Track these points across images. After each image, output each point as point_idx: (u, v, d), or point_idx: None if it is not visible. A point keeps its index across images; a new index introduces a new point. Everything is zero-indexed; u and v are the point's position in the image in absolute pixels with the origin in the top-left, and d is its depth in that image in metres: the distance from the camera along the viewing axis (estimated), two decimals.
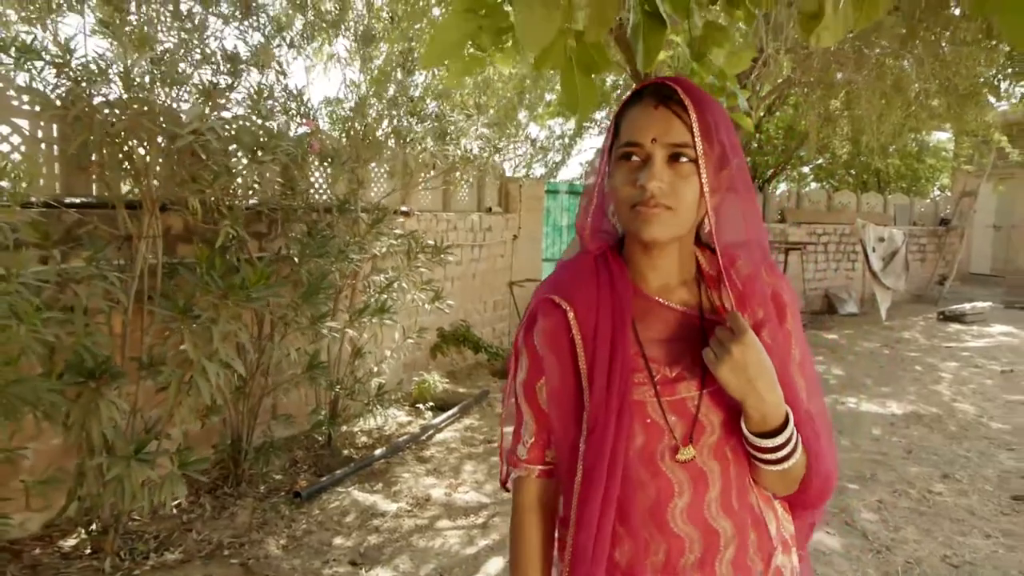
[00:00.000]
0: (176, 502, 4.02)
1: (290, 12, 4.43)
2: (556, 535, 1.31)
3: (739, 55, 2.44)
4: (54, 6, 3.52)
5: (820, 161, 17.76)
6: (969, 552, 3.87)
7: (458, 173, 6.18)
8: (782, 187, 18.05)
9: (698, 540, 1.18)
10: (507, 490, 1.39)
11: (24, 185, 2.98)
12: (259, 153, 3.48)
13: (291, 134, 4.24)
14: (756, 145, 15.35)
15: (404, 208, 6.34)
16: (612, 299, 1.23)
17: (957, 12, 6.28)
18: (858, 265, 12.75)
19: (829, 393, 7.26)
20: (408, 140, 4.98)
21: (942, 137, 17.30)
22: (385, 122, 5.22)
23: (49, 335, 2.87)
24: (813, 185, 19.10)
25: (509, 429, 1.37)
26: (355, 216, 4.86)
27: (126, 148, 3.54)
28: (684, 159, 1.14)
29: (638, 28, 1.41)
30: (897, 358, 9.27)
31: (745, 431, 1.17)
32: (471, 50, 1.46)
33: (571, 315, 1.24)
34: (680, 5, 2.08)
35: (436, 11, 7.26)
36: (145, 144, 3.45)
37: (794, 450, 1.16)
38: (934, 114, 9.22)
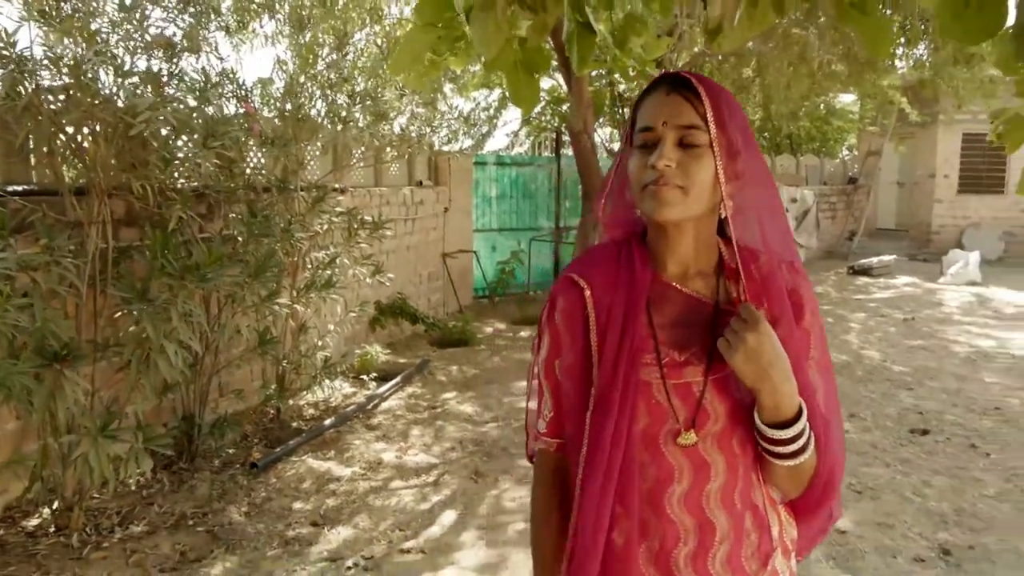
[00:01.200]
0: (137, 477, 4.15)
1: None
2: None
3: (656, 43, 2.72)
4: None
5: None
6: (871, 480, 4.34)
7: (391, 150, 6.34)
8: None
9: (693, 530, 1.20)
10: (533, 463, 1.43)
11: None
12: (209, 139, 3.60)
13: (229, 116, 4.34)
14: None
15: (338, 185, 6.48)
16: (629, 281, 1.26)
17: None
18: None
19: None
20: (344, 121, 5.12)
21: (847, 99, 18.11)
22: (319, 102, 5.34)
23: (16, 320, 2.99)
24: None
25: (533, 405, 1.41)
26: (294, 195, 5.00)
27: (76, 137, 3.62)
28: (695, 141, 1.18)
29: (572, 36, 1.66)
30: None
31: (758, 421, 1.19)
32: (430, 55, 1.69)
33: (587, 293, 1.28)
34: None
35: None
36: (94, 132, 3.54)
37: (806, 445, 1.18)
38: (837, 79, 9.78)
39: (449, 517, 3.92)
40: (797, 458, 1.17)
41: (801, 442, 1.17)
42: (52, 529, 3.74)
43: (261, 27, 5.31)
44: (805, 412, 1.18)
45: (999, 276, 12.65)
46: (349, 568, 3.40)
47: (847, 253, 15.23)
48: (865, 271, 13.09)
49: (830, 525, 1.37)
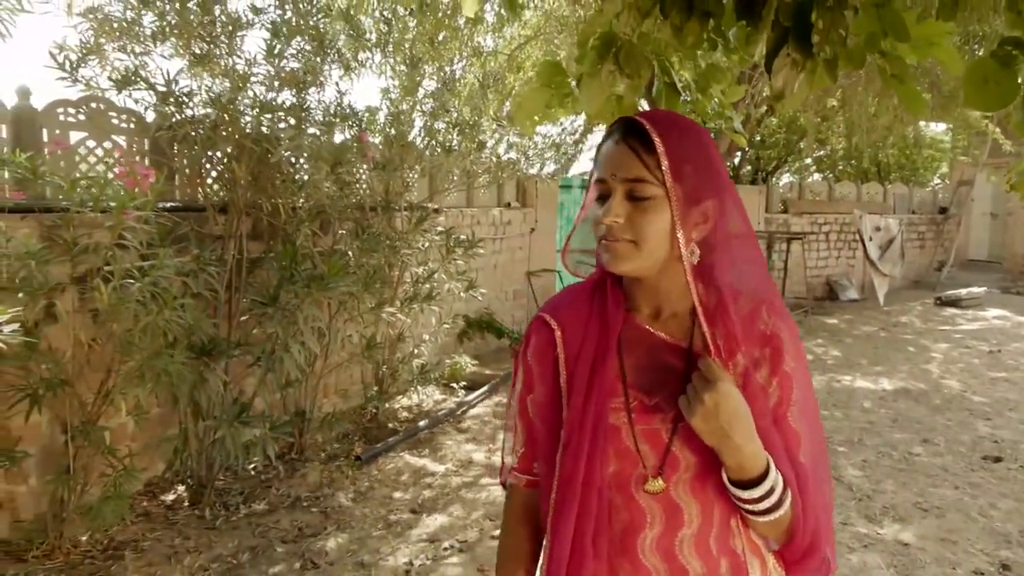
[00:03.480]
0: (257, 463, 4.67)
1: (343, 36, 5.01)
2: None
3: (734, 88, 3.06)
4: (148, 39, 4.16)
5: (821, 153, 18.34)
6: (938, 500, 4.51)
7: (484, 175, 6.81)
8: (786, 178, 18.64)
9: (665, 575, 1.18)
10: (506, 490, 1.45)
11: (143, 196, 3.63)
12: (336, 166, 4.12)
13: (348, 144, 4.86)
14: (760, 139, 15.94)
15: (434, 206, 6.98)
16: (600, 323, 1.26)
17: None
18: (858, 253, 13.32)
19: (825, 372, 7.89)
20: (447, 148, 5.60)
21: (939, 129, 17.84)
22: (422, 131, 5.84)
23: (169, 319, 3.52)
24: (816, 176, 19.68)
25: (508, 439, 1.42)
26: (400, 215, 5.50)
27: (215, 161, 4.19)
28: (643, 194, 1.16)
29: (660, 94, 2.04)
30: (892, 340, 9.88)
31: (725, 479, 1.17)
32: (544, 109, 2.09)
33: (558, 334, 1.28)
34: (689, 55, 2.72)
35: (462, 19, 7.85)
36: (238, 158, 4.09)
37: (779, 501, 1.15)
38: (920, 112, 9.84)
39: None
40: (770, 514, 1.15)
41: (772, 500, 1.14)
42: (186, 504, 4.27)
43: (373, 60, 5.84)
44: (773, 471, 1.15)
45: None
46: (446, 549, 3.81)
47: (935, 284, 14.97)
48: (953, 302, 12.88)
49: (828, 573, 1.30)
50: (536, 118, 2.12)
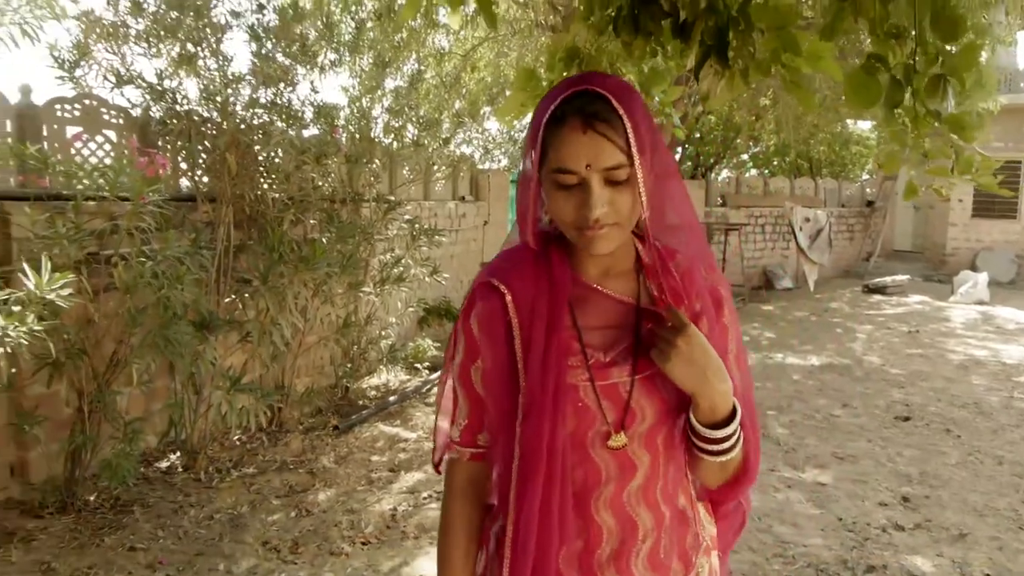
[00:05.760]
0: (247, 431, 5.06)
1: (318, 40, 5.43)
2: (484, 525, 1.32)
3: (673, 89, 3.60)
4: (139, 40, 4.54)
5: (757, 149, 19.24)
6: (853, 450, 5.15)
7: (443, 168, 7.27)
8: (724, 173, 19.49)
9: (616, 531, 1.21)
10: (439, 473, 1.40)
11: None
12: (321, 158, 4.55)
13: (326, 139, 5.28)
14: (699, 136, 16.71)
15: (396, 199, 7.41)
16: (550, 285, 1.24)
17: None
18: (792, 244, 14.15)
19: (760, 351, 8.56)
20: (416, 143, 6.06)
21: (866, 127, 18.87)
22: (385, 129, 6.28)
23: (169, 295, 3.91)
24: (753, 171, 20.61)
25: (444, 415, 1.38)
26: (369, 205, 5.94)
27: (211, 154, 4.58)
28: (621, 177, 1.13)
29: None
30: (822, 323, 10.64)
31: (694, 422, 1.19)
32: (520, 106, 2.58)
33: (508, 298, 1.24)
34: (635, 63, 3.24)
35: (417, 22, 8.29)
36: (229, 152, 4.49)
37: (737, 441, 1.20)
38: (840, 111, 10.63)
39: None
40: (728, 454, 1.20)
41: (732, 440, 1.19)
42: (180, 470, 4.65)
43: (343, 61, 6.25)
44: (739, 412, 1.20)
45: (1008, 297, 13.29)
46: (425, 498, 4.28)
47: (863, 273, 15.92)
48: (879, 290, 13.78)
49: (745, 516, 1.42)
50: (515, 114, 2.62)
